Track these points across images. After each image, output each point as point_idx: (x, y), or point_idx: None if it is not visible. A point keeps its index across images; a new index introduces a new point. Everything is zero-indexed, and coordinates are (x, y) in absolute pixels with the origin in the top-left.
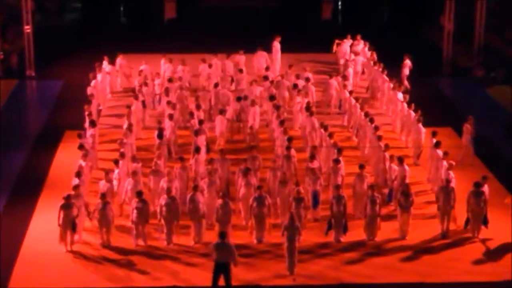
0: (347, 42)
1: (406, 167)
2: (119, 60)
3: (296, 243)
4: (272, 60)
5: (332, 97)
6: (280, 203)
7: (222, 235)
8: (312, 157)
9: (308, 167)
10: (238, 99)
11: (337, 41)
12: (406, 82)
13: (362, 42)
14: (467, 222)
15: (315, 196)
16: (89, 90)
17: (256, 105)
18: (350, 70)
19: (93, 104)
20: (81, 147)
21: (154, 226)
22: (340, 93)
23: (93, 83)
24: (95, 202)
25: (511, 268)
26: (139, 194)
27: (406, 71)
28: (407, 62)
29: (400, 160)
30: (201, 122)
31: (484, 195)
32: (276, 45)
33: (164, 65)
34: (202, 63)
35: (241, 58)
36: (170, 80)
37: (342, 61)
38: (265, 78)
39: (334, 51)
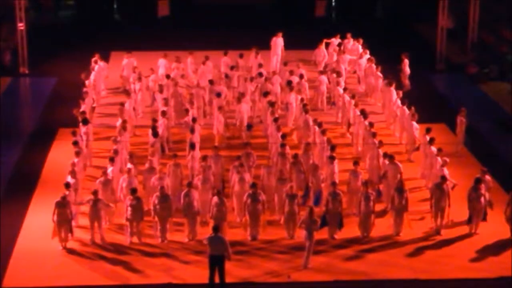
0: (335, 41)
1: (399, 164)
2: (126, 59)
3: (314, 237)
4: (271, 56)
5: (323, 93)
6: (277, 200)
7: (215, 228)
8: (295, 157)
9: (312, 163)
10: (218, 95)
11: (325, 40)
12: (407, 82)
13: (352, 40)
14: (470, 219)
15: (318, 195)
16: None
17: (243, 102)
18: (343, 67)
19: (86, 102)
20: (75, 143)
21: (148, 224)
22: (330, 89)
23: (87, 83)
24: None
25: (508, 264)
26: (133, 191)
27: (407, 70)
28: (406, 61)
29: (390, 158)
30: (194, 119)
31: (483, 190)
32: (277, 41)
33: (160, 62)
34: (204, 61)
35: (256, 58)
36: (167, 76)
37: (325, 60)
38: (260, 74)
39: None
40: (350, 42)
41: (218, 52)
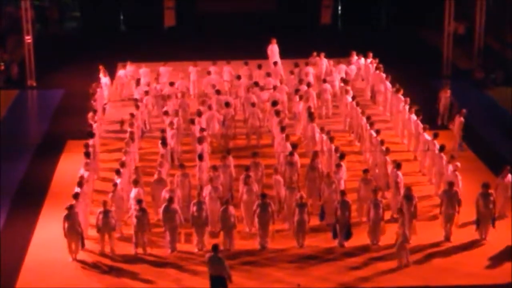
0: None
1: (399, 173)
2: (128, 68)
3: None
4: (270, 64)
5: (328, 101)
6: (287, 209)
7: (215, 248)
8: (313, 162)
9: (323, 172)
10: (227, 104)
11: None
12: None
13: (356, 56)
14: (478, 222)
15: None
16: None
17: (213, 109)
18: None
19: (97, 114)
20: (87, 154)
21: (159, 234)
22: (336, 97)
23: (96, 95)
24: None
25: None
26: (138, 202)
27: (460, 124)
28: (449, 92)
29: (397, 165)
30: (202, 129)
31: (492, 196)
32: (273, 48)
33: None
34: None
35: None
36: (171, 84)
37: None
38: (256, 84)
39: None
40: (354, 58)
41: (223, 61)
